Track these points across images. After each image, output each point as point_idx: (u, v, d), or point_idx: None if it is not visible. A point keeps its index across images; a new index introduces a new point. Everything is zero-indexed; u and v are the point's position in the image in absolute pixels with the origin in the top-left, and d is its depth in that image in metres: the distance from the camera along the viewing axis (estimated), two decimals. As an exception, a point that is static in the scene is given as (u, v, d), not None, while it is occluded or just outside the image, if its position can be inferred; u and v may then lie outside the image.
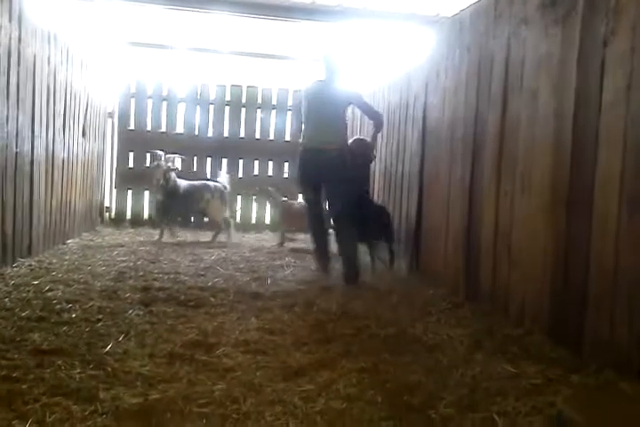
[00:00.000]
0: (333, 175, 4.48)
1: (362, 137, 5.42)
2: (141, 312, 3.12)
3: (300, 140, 4.72)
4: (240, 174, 8.22)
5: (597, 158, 2.54)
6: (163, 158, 6.28)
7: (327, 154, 4.47)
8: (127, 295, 3.47)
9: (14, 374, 2.11)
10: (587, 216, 2.58)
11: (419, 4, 5.73)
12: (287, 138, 8.28)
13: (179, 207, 6.50)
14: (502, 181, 3.39)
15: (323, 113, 4.59)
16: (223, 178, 6.91)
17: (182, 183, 6.43)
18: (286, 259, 5.34)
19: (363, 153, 4.99)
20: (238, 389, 2.12)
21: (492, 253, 3.47)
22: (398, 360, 2.51)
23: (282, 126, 8.31)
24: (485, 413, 1.98)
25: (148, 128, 8.05)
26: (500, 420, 1.92)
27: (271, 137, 8.32)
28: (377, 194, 6.39)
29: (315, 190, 4.64)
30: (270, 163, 8.32)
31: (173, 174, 6.35)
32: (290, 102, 8.32)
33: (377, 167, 6.45)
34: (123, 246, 5.61)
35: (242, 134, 8.30)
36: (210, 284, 3.96)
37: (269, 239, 6.99)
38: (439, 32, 4.61)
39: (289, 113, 8.28)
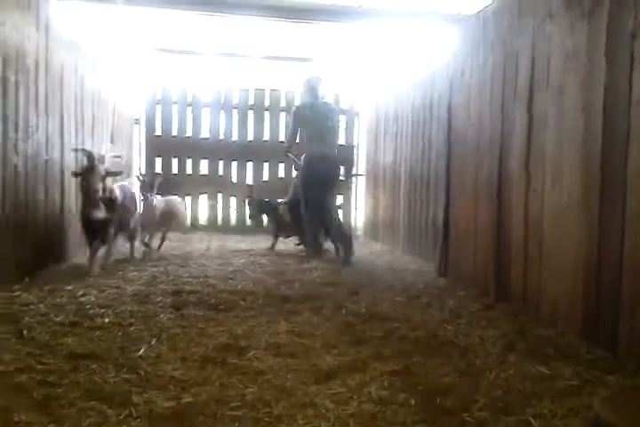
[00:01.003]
0: (332, 177, 5.63)
1: None
2: (173, 316, 3.14)
3: (303, 149, 5.65)
4: (265, 177, 8.26)
5: (628, 153, 2.49)
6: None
7: (329, 160, 5.54)
8: (158, 299, 3.51)
9: (50, 379, 2.14)
10: (619, 213, 2.53)
11: (440, 2, 5.69)
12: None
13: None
14: (531, 178, 3.34)
15: (324, 126, 5.59)
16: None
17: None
18: (314, 262, 5.33)
19: None
20: (270, 392, 2.12)
21: (522, 253, 3.42)
22: (430, 363, 2.49)
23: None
24: (520, 415, 1.95)
25: (174, 133, 8.15)
26: (536, 422, 1.89)
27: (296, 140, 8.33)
28: (403, 195, 6.35)
29: (316, 189, 5.50)
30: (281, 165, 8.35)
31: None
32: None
33: (402, 168, 6.42)
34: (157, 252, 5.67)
35: (266, 137, 8.35)
36: (239, 287, 3.98)
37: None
38: (462, 30, 4.57)
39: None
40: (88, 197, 4.18)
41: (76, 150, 4.77)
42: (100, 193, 4.19)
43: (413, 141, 6.05)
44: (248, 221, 7.75)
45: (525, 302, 3.36)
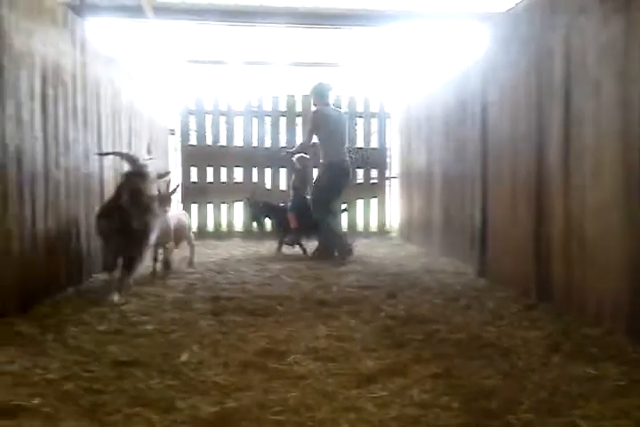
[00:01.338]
0: (349, 181, 6.10)
1: (305, 155, 6.28)
2: (213, 322, 3.18)
3: (325, 155, 5.82)
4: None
5: (671, 147, 2.42)
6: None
7: (346, 164, 5.88)
8: (198, 306, 3.56)
9: (96, 386, 2.19)
10: (664, 208, 2.46)
11: (469, 1, 5.65)
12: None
13: None
14: (570, 175, 3.28)
15: (342, 132, 5.87)
16: None
17: None
18: (350, 265, 5.33)
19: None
20: (312, 396, 2.12)
21: (563, 251, 3.35)
22: (472, 365, 2.46)
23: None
24: (567, 417, 1.91)
25: (209, 143, 8.26)
26: (584, 424, 1.85)
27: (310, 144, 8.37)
28: (438, 196, 6.30)
29: (335, 192, 5.87)
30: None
31: None
32: (344, 109, 8.33)
33: (436, 169, 6.37)
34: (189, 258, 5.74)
35: (299, 143, 8.38)
36: (276, 292, 4.00)
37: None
38: (494, 28, 4.52)
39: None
40: (137, 204, 3.74)
41: (106, 154, 4.58)
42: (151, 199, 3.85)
43: (447, 141, 6.00)
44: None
45: (569, 301, 3.29)
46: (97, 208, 4.21)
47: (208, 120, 8.30)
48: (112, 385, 2.20)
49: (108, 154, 4.59)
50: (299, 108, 8.35)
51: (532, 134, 3.77)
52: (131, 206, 3.76)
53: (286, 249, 6.37)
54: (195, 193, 8.12)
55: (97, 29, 4.80)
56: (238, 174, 8.33)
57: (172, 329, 3.02)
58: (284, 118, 8.38)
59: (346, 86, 8.84)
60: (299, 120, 8.39)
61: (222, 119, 8.30)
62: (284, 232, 6.34)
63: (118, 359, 2.50)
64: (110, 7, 6.68)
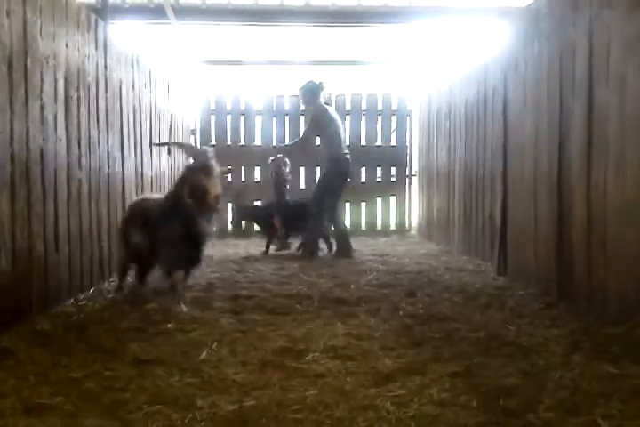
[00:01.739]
0: (349, 177, 6.10)
1: (282, 156, 6.33)
2: (232, 321, 3.20)
3: (329, 152, 5.86)
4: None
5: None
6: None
7: (347, 161, 5.91)
8: (218, 305, 3.58)
9: (117, 384, 2.22)
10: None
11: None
12: (363, 142, 8.30)
13: None
14: (593, 172, 3.23)
15: (341, 129, 6.00)
16: None
17: None
18: (369, 264, 5.32)
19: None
20: (330, 395, 2.13)
21: (585, 249, 3.30)
22: (492, 364, 2.44)
23: (357, 131, 8.33)
24: (588, 416, 1.89)
25: (229, 142, 8.31)
26: (605, 423, 1.82)
27: (347, 142, 8.35)
28: (458, 193, 6.26)
29: (339, 189, 5.92)
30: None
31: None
32: (364, 107, 8.32)
33: (456, 166, 6.33)
34: (210, 258, 5.79)
35: (318, 142, 8.38)
36: (295, 291, 4.01)
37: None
38: (514, 23, 4.48)
39: (363, 118, 8.31)
40: (204, 204, 3.37)
41: (162, 144, 4.48)
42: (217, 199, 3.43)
43: (467, 138, 5.95)
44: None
45: (591, 299, 3.24)
46: (139, 207, 3.91)
47: (228, 120, 8.35)
48: (133, 383, 2.23)
49: (164, 144, 4.37)
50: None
51: (553, 130, 3.72)
52: (196, 207, 3.39)
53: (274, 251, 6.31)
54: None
55: (119, 31, 4.84)
56: (258, 174, 8.36)
57: (192, 328, 3.05)
58: (303, 117, 8.39)
59: (365, 84, 8.82)
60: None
61: (242, 119, 8.34)
62: (270, 237, 6.30)
63: (139, 358, 2.54)
64: (132, 9, 6.78)
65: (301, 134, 6.54)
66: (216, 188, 3.38)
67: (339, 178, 5.88)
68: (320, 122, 5.75)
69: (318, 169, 7.83)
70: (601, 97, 3.15)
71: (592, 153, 3.24)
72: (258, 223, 6.78)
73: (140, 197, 4.14)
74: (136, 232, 3.65)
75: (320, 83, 5.87)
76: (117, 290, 3.93)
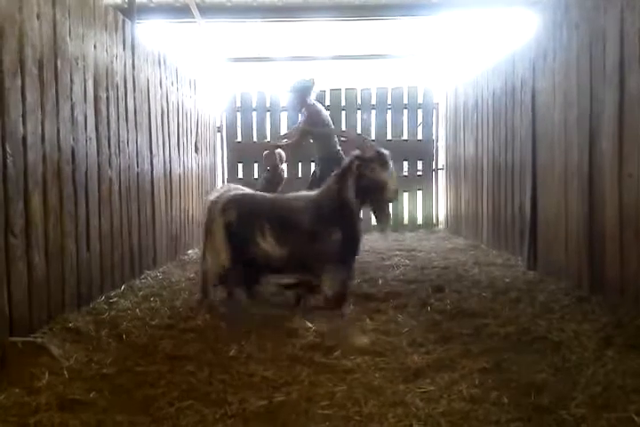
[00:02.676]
0: None
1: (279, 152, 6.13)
2: (260, 317, 3.22)
3: (321, 149, 5.62)
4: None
5: None
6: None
7: (340, 156, 5.46)
8: (246, 302, 3.60)
9: (149, 380, 2.26)
10: None
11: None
12: (389, 137, 8.26)
13: None
14: (625, 162, 3.15)
15: (331, 126, 5.73)
16: None
17: None
18: (396, 259, 5.30)
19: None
20: (359, 390, 2.13)
21: (618, 241, 3.23)
22: (522, 359, 2.41)
23: (383, 125, 8.29)
24: (622, 412, 1.86)
25: (255, 139, 8.34)
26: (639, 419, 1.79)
27: (372, 137, 8.32)
28: (486, 187, 6.18)
29: None
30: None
31: None
32: (389, 101, 8.27)
33: (484, 159, 6.25)
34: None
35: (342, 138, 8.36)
36: (323, 287, 4.01)
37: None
38: (543, 13, 4.39)
39: (389, 112, 8.26)
40: (379, 200, 2.87)
41: (334, 133, 3.86)
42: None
43: (495, 130, 5.87)
44: None
45: (623, 292, 3.17)
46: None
47: (254, 117, 8.38)
48: (164, 379, 2.27)
49: (339, 134, 3.74)
50: (343, 103, 8.32)
51: (583, 121, 3.64)
52: (360, 206, 2.87)
53: None
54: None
55: (145, 31, 4.89)
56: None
57: (221, 324, 3.07)
58: (328, 113, 8.37)
59: (390, 77, 8.76)
60: (343, 114, 8.36)
61: (268, 115, 8.36)
62: None
63: (170, 354, 2.58)
64: (158, 9, 6.85)
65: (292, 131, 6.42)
66: (394, 180, 2.81)
67: (326, 173, 5.83)
68: (315, 122, 5.67)
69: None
70: (633, 85, 3.07)
71: (624, 143, 3.16)
72: None
73: (240, 192, 3.45)
74: (258, 235, 3.06)
75: (311, 80, 5.77)
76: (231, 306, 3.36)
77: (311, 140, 5.77)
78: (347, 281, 3.00)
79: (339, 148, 5.67)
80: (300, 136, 5.84)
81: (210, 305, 3.33)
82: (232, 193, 3.36)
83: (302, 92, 5.69)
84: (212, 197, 3.46)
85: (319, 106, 5.77)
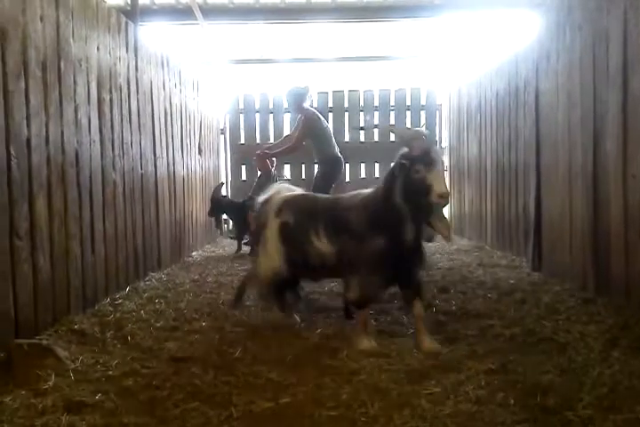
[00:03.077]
0: (341, 172, 6.27)
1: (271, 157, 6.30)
2: (264, 319, 3.22)
3: (319, 152, 5.88)
4: (347, 178, 8.28)
5: None
6: None
7: (339, 158, 5.92)
8: (250, 303, 3.61)
9: (154, 382, 2.26)
10: None
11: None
12: (392, 138, 8.25)
13: None
14: (629, 163, 3.15)
15: (329, 129, 6.00)
16: None
17: None
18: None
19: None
20: (365, 392, 2.13)
21: (623, 242, 3.22)
22: (528, 360, 2.40)
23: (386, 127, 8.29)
24: (629, 414, 1.85)
25: (258, 141, 8.35)
26: (648, 422, 1.78)
27: (376, 139, 8.32)
28: (489, 187, 6.17)
29: (330, 187, 5.89)
30: (377, 165, 8.31)
31: None
32: (392, 102, 8.27)
33: (488, 160, 6.24)
34: (242, 257, 5.84)
35: (346, 139, 8.37)
36: (326, 289, 4.01)
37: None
38: (545, 14, 4.39)
39: (392, 113, 8.26)
40: (424, 204, 2.55)
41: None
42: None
43: (499, 131, 5.87)
44: None
45: (629, 294, 3.16)
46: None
47: (257, 118, 8.39)
48: (169, 381, 2.26)
49: (388, 131, 3.21)
50: (346, 104, 8.33)
51: (587, 122, 3.64)
52: (409, 210, 2.61)
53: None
54: (245, 191, 8.20)
55: (148, 33, 4.90)
56: (287, 171, 8.39)
57: (226, 326, 3.08)
58: (331, 114, 8.38)
59: (393, 79, 8.76)
60: (346, 116, 8.37)
61: (271, 117, 8.37)
62: (241, 232, 6.23)
63: (175, 355, 2.58)
64: (161, 11, 6.86)
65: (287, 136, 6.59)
66: (441, 183, 2.51)
67: (334, 176, 5.95)
68: (312, 126, 5.78)
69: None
70: (636, 86, 3.06)
71: (628, 143, 3.16)
72: (231, 217, 6.74)
73: (293, 192, 3.28)
74: (312, 234, 2.88)
75: (305, 87, 5.93)
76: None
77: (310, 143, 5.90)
78: (374, 289, 2.74)
79: (337, 150, 5.88)
80: (294, 142, 5.97)
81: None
82: (285, 193, 3.21)
83: (297, 99, 5.85)
84: (262, 198, 3.31)
85: (314, 111, 5.92)
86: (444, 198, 2.51)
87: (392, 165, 2.70)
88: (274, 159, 6.39)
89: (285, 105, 8.29)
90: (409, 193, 2.57)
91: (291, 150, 6.02)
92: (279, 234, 3.02)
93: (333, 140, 5.95)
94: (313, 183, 5.98)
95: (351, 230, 2.76)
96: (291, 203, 3.09)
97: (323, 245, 2.84)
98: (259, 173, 6.47)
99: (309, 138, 5.86)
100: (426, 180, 2.49)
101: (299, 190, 3.32)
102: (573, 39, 3.83)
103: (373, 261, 2.67)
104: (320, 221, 2.89)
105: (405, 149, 2.61)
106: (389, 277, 2.73)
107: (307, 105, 5.94)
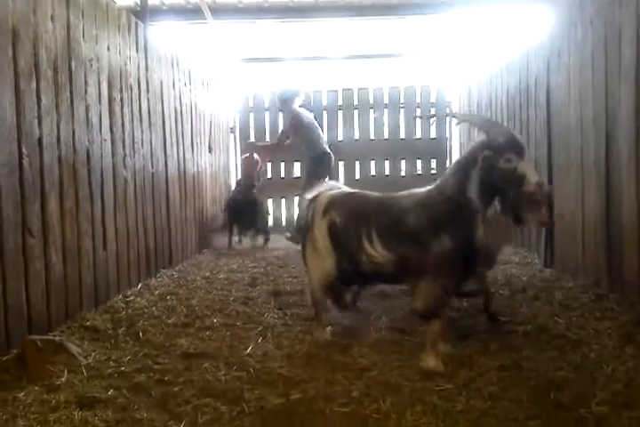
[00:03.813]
0: (330, 168, 6.42)
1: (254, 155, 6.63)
2: (276, 315, 3.23)
3: (308, 149, 6.22)
4: (357, 176, 8.26)
5: None
6: None
7: (328, 155, 6.23)
8: (262, 300, 3.62)
9: (166, 378, 2.27)
10: None
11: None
12: (402, 136, 8.23)
13: None
14: (642, 159, 3.11)
15: (318, 128, 6.40)
16: None
17: None
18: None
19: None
20: (376, 388, 2.12)
21: (636, 239, 3.19)
22: (541, 357, 2.39)
23: (396, 125, 8.26)
24: (645, 410, 1.83)
25: (268, 139, 8.34)
26: (663, 418, 1.76)
27: (385, 136, 8.29)
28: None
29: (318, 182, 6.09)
30: (387, 162, 8.29)
31: None
32: (402, 100, 8.24)
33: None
34: (253, 253, 5.85)
35: (356, 136, 8.35)
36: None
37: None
38: (557, 9, 4.35)
39: (402, 111, 8.23)
40: (517, 197, 2.28)
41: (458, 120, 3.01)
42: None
43: (510, 127, 5.83)
44: None
45: (643, 290, 3.13)
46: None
47: (267, 117, 8.38)
48: (181, 377, 2.28)
49: (459, 120, 3.01)
50: (355, 102, 8.31)
51: (600, 118, 3.61)
52: (481, 207, 2.35)
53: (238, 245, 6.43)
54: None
55: (158, 32, 4.91)
56: (297, 169, 8.37)
57: (237, 322, 3.08)
58: (341, 112, 8.36)
59: (403, 76, 8.74)
60: (356, 113, 8.35)
61: (280, 116, 8.36)
62: (231, 228, 6.35)
63: (187, 352, 2.59)
64: (170, 10, 6.87)
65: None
66: (534, 171, 2.27)
67: (325, 171, 6.19)
68: (299, 126, 6.13)
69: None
70: (650, 81, 3.04)
71: (641, 139, 3.13)
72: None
73: (342, 190, 3.01)
74: (364, 238, 2.58)
75: (296, 89, 6.29)
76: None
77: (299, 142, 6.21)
78: (443, 296, 2.40)
79: (326, 146, 6.21)
80: (275, 140, 6.39)
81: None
82: (332, 191, 2.93)
83: (287, 100, 6.19)
84: (310, 195, 3.04)
85: (299, 111, 6.25)
86: (539, 187, 2.25)
87: (465, 157, 2.45)
88: (259, 160, 6.61)
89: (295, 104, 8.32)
90: (491, 187, 2.31)
91: (274, 147, 6.38)
92: (328, 236, 2.74)
93: (322, 137, 6.29)
94: (304, 180, 6.23)
95: (412, 235, 2.44)
96: (339, 201, 2.81)
97: (378, 253, 2.53)
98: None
99: (296, 137, 6.20)
100: (517, 169, 2.25)
101: (348, 188, 3.06)
102: (585, 35, 3.80)
103: (442, 266, 2.37)
104: (372, 224, 2.58)
105: (484, 139, 2.37)
106: (459, 280, 2.49)
107: (296, 106, 6.26)
